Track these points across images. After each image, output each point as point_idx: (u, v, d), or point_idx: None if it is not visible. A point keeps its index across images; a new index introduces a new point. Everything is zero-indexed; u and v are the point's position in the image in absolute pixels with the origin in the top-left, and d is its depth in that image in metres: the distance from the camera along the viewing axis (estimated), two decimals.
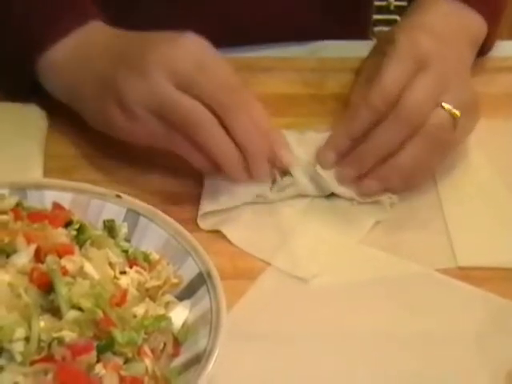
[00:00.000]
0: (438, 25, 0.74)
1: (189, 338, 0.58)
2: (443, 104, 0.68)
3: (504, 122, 0.78)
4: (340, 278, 0.66)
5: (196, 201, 0.70)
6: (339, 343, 0.61)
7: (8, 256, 0.57)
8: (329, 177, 0.69)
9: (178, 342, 0.58)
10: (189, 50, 0.68)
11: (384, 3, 1.08)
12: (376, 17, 0.95)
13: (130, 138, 0.70)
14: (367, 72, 0.75)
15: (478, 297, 0.64)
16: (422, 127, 0.67)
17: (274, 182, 0.70)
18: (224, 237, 0.68)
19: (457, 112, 0.68)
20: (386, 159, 0.68)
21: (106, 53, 0.71)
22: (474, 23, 0.78)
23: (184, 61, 0.67)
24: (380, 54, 0.72)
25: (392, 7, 0.97)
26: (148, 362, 0.55)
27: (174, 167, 0.72)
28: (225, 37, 0.73)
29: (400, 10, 0.93)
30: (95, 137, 0.74)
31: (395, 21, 0.93)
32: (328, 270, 0.66)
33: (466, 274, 0.66)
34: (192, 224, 0.67)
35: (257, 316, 0.63)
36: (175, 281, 0.61)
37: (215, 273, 0.60)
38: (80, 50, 0.73)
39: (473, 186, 0.72)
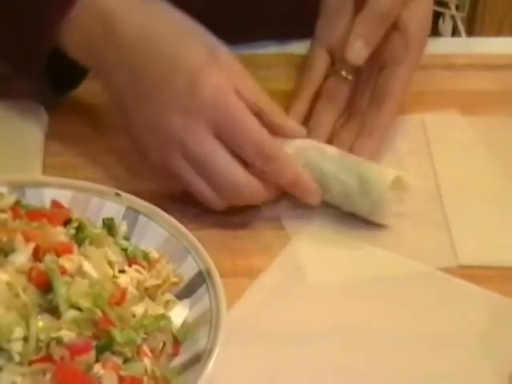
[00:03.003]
0: None
1: (188, 337, 0.58)
2: None
3: (506, 118, 0.78)
4: (341, 277, 0.65)
5: (195, 199, 0.69)
6: (340, 342, 0.61)
7: (6, 255, 0.56)
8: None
9: (177, 342, 0.58)
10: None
11: None
12: None
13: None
14: None
15: (479, 296, 0.64)
16: None
17: None
18: (224, 235, 0.68)
19: None
20: None
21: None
22: None
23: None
24: None
25: None
26: (147, 361, 0.55)
27: None
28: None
29: None
30: (95, 134, 0.73)
31: None
32: (329, 269, 0.66)
33: (468, 272, 0.65)
34: (191, 222, 0.67)
35: (257, 315, 0.62)
36: (175, 280, 0.60)
37: (215, 271, 0.59)
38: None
39: (475, 184, 0.72)
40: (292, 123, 0.70)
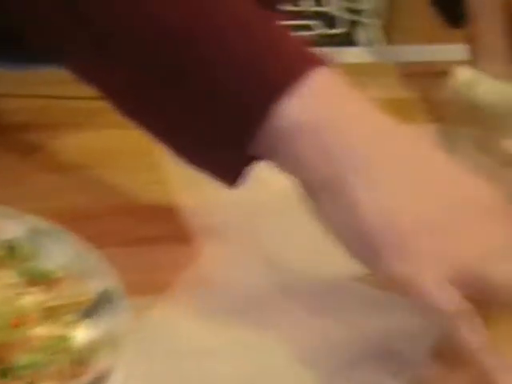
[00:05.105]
0: None
1: (93, 357, 0.57)
2: None
3: (423, 125, 0.79)
4: (251, 289, 0.65)
5: (105, 216, 0.69)
6: (258, 353, 0.61)
7: None
8: None
9: (81, 362, 0.57)
10: None
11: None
12: None
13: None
14: None
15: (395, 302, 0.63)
16: None
17: None
18: (130, 252, 0.67)
19: None
20: None
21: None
22: None
23: None
24: None
25: None
26: None
27: (86, 182, 0.71)
28: None
29: None
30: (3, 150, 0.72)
31: None
32: (238, 281, 0.65)
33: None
34: (97, 240, 0.66)
35: (165, 331, 0.62)
36: (79, 299, 0.60)
37: (120, 290, 0.59)
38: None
39: None
40: None
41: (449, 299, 0.56)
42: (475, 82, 0.65)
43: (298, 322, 0.63)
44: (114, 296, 0.59)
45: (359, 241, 0.57)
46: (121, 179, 0.73)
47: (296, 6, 1.17)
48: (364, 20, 1.23)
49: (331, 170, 0.57)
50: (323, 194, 0.57)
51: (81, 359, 0.57)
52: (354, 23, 1.22)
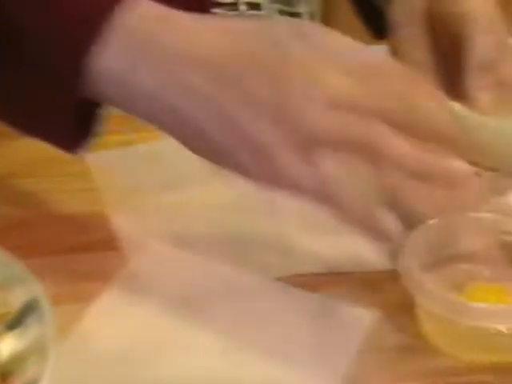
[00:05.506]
0: None
1: (17, 368, 0.56)
2: None
3: None
4: (178, 292, 0.65)
5: (35, 225, 0.68)
6: (191, 356, 0.61)
7: None
8: None
9: (9, 373, 0.57)
10: None
11: None
12: None
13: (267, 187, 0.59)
14: None
15: (314, 302, 0.64)
16: None
17: None
18: (59, 261, 0.67)
19: None
20: None
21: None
22: None
23: None
24: None
25: None
26: None
27: (15, 191, 0.70)
28: None
29: None
30: None
31: None
32: (166, 285, 0.65)
33: (304, 280, 0.66)
34: (29, 249, 0.66)
35: (95, 337, 0.62)
36: (3, 310, 0.59)
37: (44, 300, 0.58)
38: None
39: None
40: None
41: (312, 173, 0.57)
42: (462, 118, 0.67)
43: (229, 322, 0.63)
44: (39, 306, 0.58)
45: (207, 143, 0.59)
46: (50, 187, 0.73)
47: (231, 10, 1.18)
48: None
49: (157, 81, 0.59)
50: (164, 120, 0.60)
51: (8, 370, 0.56)
52: None
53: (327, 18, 1.38)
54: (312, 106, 0.57)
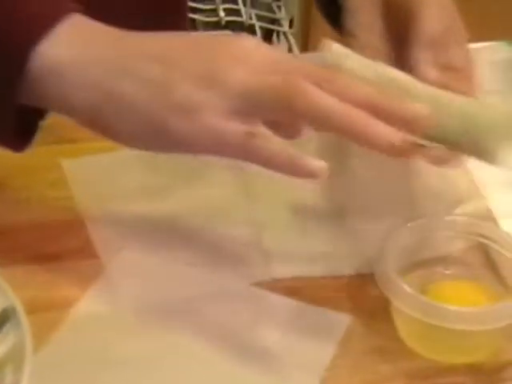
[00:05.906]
0: None
1: None
2: None
3: None
4: (154, 299, 0.65)
5: (10, 232, 0.68)
6: (173, 360, 0.61)
7: None
8: None
9: None
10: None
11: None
12: None
13: (194, 147, 0.62)
14: None
15: (291, 307, 0.64)
16: None
17: None
18: (36, 269, 0.67)
19: None
20: None
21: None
22: None
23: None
24: None
25: None
26: None
27: None
28: None
29: None
30: None
31: None
32: (142, 293, 0.65)
33: (281, 284, 0.66)
34: (5, 257, 0.66)
35: (72, 346, 0.62)
36: None
37: (19, 308, 0.58)
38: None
39: None
40: None
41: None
42: (344, 56, 0.66)
43: (206, 328, 0.63)
44: (15, 314, 0.58)
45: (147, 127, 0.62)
46: (26, 195, 0.73)
47: (210, 16, 1.18)
48: (280, 29, 1.24)
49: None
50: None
51: None
52: (269, 32, 1.23)
53: (307, 23, 1.39)
54: (239, 69, 0.61)
